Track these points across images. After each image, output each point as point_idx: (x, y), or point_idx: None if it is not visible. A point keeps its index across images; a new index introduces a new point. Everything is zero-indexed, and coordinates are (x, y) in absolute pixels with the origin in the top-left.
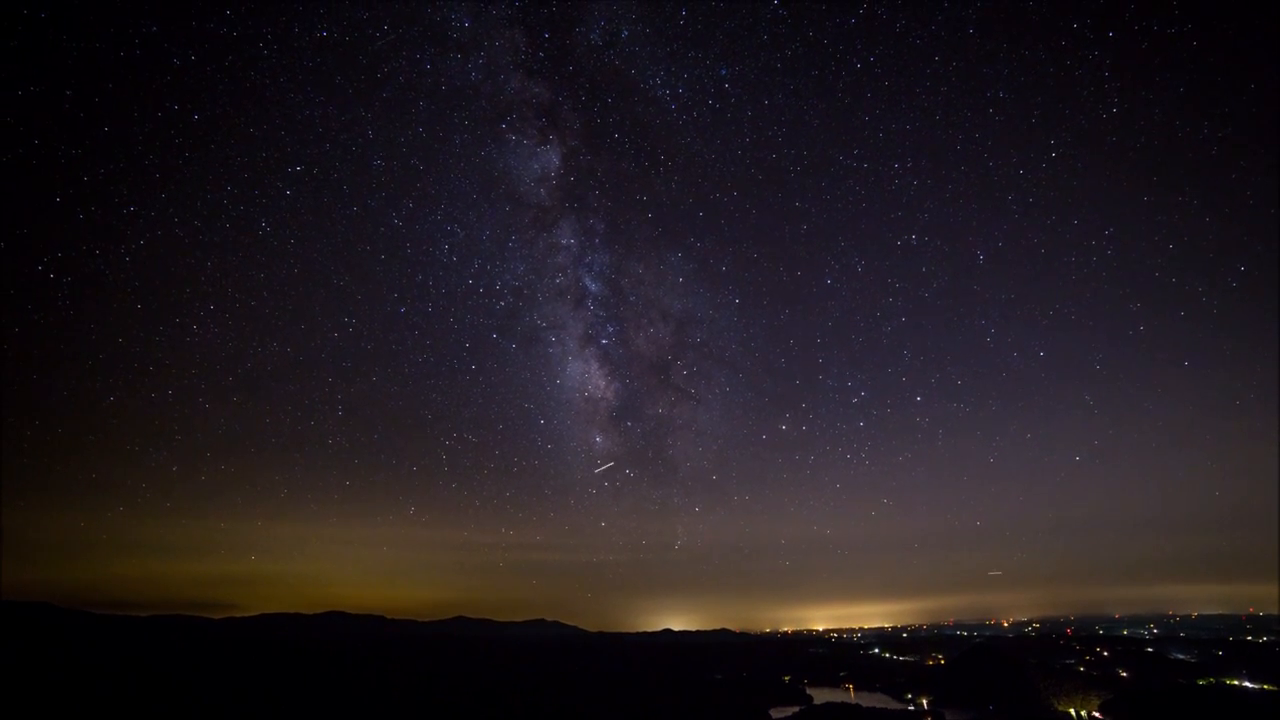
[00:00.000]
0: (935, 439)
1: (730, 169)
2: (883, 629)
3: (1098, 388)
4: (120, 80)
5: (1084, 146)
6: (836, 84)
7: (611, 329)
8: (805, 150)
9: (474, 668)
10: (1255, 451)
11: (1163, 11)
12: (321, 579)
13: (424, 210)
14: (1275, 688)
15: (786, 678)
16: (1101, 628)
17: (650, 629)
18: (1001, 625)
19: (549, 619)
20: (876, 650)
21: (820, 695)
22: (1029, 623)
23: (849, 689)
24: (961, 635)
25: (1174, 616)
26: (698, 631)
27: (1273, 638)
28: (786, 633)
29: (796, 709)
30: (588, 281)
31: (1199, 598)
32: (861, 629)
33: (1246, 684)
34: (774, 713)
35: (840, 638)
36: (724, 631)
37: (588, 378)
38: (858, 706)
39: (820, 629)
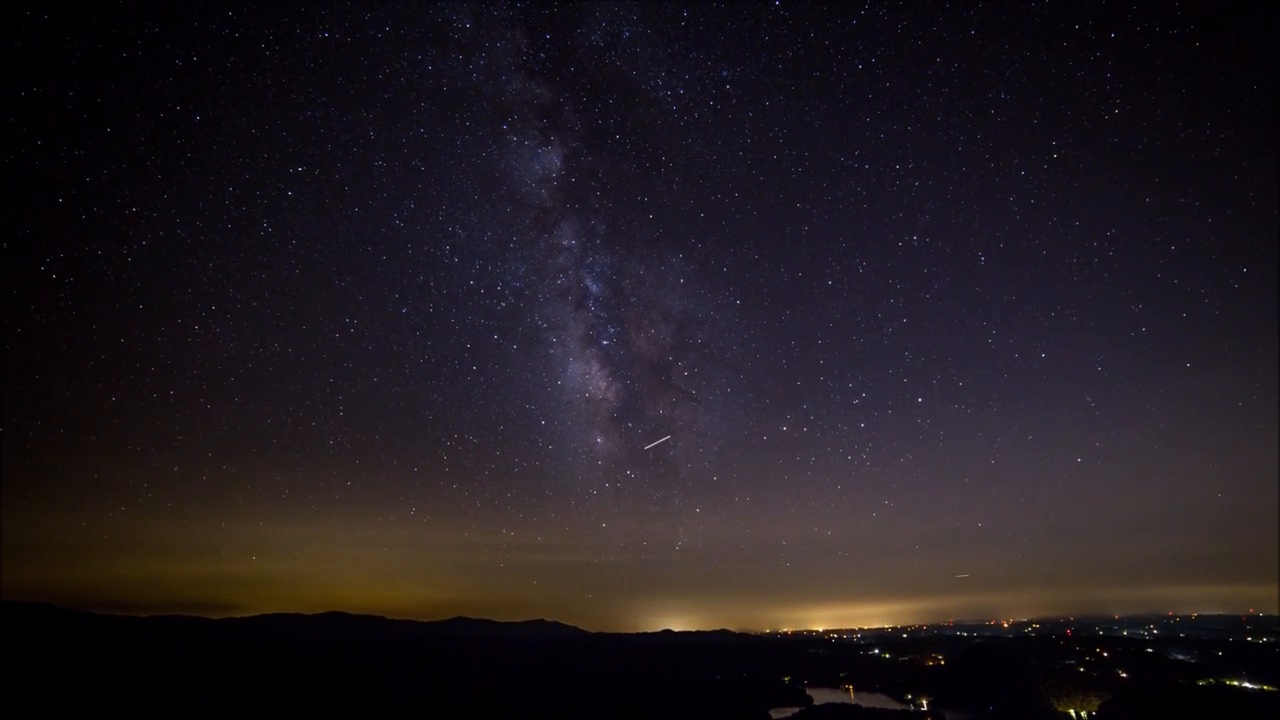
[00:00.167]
0: (936, 440)
1: (731, 170)
2: (882, 630)
3: (1099, 389)
4: (122, 81)
5: (1086, 148)
6: (838, 85)
7: (612, 330)
8: (806, 151)
9: (474, 668)
10: (1256, 453)
11: (1164, 13)
12: (322, 579)
13: (425, 211)
14: (1275, 688)
15: (786, 678)
16: (1101, 628)
17: (650, 629)
18: (1001, 626)
19: (549, 620)
20: (876, 651)
21: (820, 696)
22: (1029, 623)
23: (849, 690)
24: (961, 636)
25: (1174, 617)
26: (697, 632)
27: (1272, 638)
28: (786, 633)
29: (796, 709)
30: (589, 282)
31: (1199, 598)
32: (861, 630)
33: (1246, 684)
34: (774, 713)
35: (840, 638)
36: (724, 632)
37: (589, 379)
38: (857, 707)
39: (820, 630)
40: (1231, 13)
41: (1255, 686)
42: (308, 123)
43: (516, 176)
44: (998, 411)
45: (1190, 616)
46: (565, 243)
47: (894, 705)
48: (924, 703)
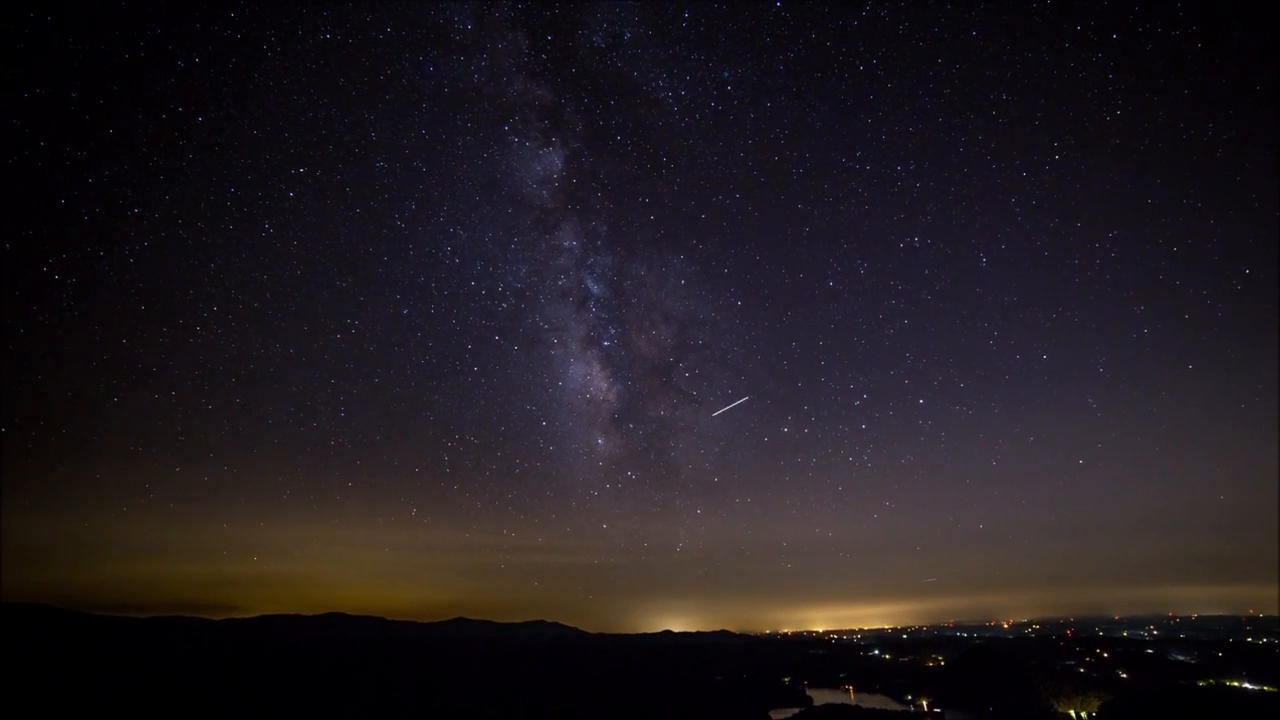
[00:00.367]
0: (938, 442)
1: (732, 171)
2: (882, 630)
3: (1101, 390)
4: (124, 82)
5: (1087, 149)
6: (839, 86)
7: (613, 331)
8: (808, 152)
9: (474, 669)
10: (1257, 453)
11: (1166, 14)
12: (323, 580)
13: (426, 212)
14: (1275, 689)
15: (786, 679)
16: (1101, 629)
17: (650, 630)
18: (1001, 626)
19: (549, 620)
20: (876, 651)
21: (820, 696)
22: (1029, 624)
23: (849, 690)
24: (961, 637)
25: (1174, 618)
26: (697, 633)
27: (1273, 639)
28: (786, 634)
29: (796, 710)
30: (590, 283)
31: (1199, 599)
32: (861, 630)
33: (1246, 685)
34: (774, 714)
35: (840, 639)
36: (724, 633)
37: (590, 380)
38: (858, 708)
39: (820, 630)
40: (1233, 14)
41: (1255, 687)
42: (309, 124)
43: (518, 177)
44: (999, 413)
45: (1190, 617)
46: (566, 244)
47: (894, 706)
48: (924, 703)
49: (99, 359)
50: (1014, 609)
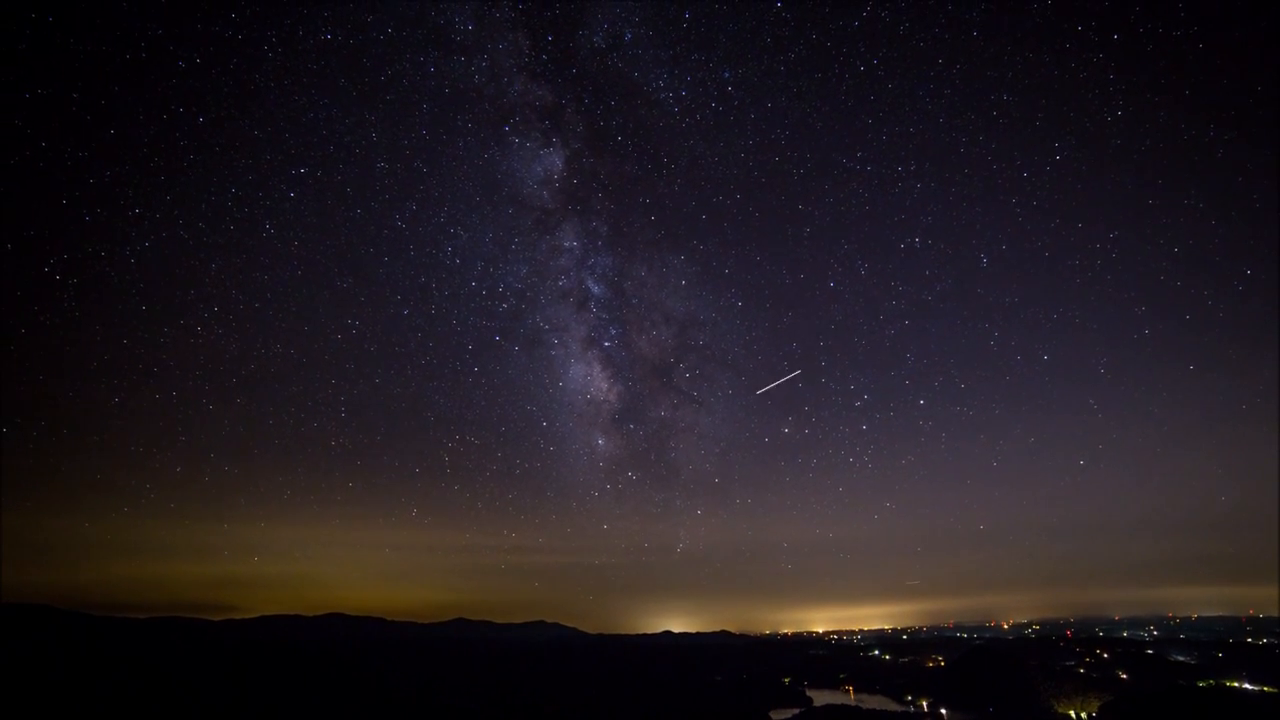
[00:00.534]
0: (938, 442)
1: (733, 172)
2: (882, 631)
3: (1102, 391)
4: (126, 83)
5: (1088, 149)
6: (840, 87)
7: (614, 331)
8: (808, 153)
9: (474, 669)
10: (1257, 454)
11: (1167, 14)
12: (323, 580)
13: (427, 213)
14: (1275, 689)
15: (786, 679)
16: (1101, 629)
17: (650, 631)
18: (1001, 627)
19: (549, 621)
20: (876, 652)
21: (820, 697)
22: (1029, 624)
23: (849, 691)
24: (961, 637)
25: (1174, 618)
26: (698, 633)
27: (1273, 640)
28: (786, 635)
29: (796, 710)
30: (590, 284)
31: (1199, 600)
32: (861, 631)
33: (1246, 686)
34: (774, 714)
35: (840, 640)
36: (724, 633)
37: (590, 380)
38: (858, 708)
39: (820, 631)
40: (1234, 15)
41: (1255, 688)
42: (310, 124)
43: (518, 178)
44: (1000, 413)
45: (1190, 618)
46: (567, 244)
47: (894, 706)
48: (924, 704)
49: (100, 359)
50: (1014, 609)
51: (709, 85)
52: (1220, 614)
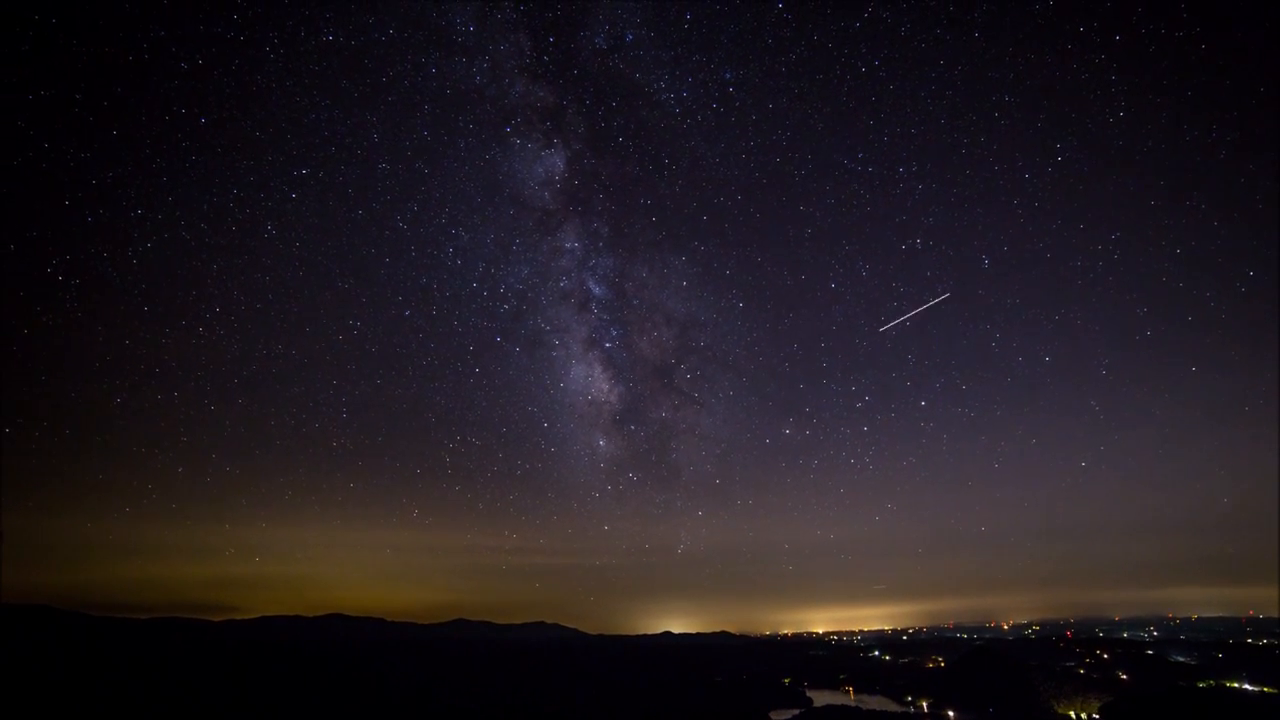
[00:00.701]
0: (940, 444)
1: (734, 173)
2: (882, 631)
3: (1103, 392)
4: (127, 84)
5: (1090, 150)
6: (841, 88)
7: (615, 333)
8: (809, 154)
9: (473, 670)
10: (1258, 455)
11: (1169, 15)
12: (324, 581)
13: (428, 213)
14: (1275, 690)
15: (787, 680)
16: (1101, 630)
17: (650, 631)
18: (1001, 628)
19: (549, 621)
20: (876, 653)
21: (820, 698)
22: (1029, 625)
23: (849, 691)
24: (961, 638)
25: (1174, 619)
26: (697, 634)
27: (1273, 640)
28: (786, 635)
29: (796, 711)
30: (591, 285)
31: (1199, 600)
32: (861, 631)
33: (1246, 686)
34: (774, 715)
35: (840, 640)
36: (724, 634)
37: (591, 381)
38: (858, 709)
39: (820, 631)
40: (1237, 15)
41: (1255, 689)
42: (311, 125)
43: (519, 179)
44: (1001, 415)
45: (1190, 618)
46: (568, 245)
47: (894, 707)
48: (924, 704)
49: (102, 360)
50: (1014, 610)
51: (710, 86)
52: (1220, 614)
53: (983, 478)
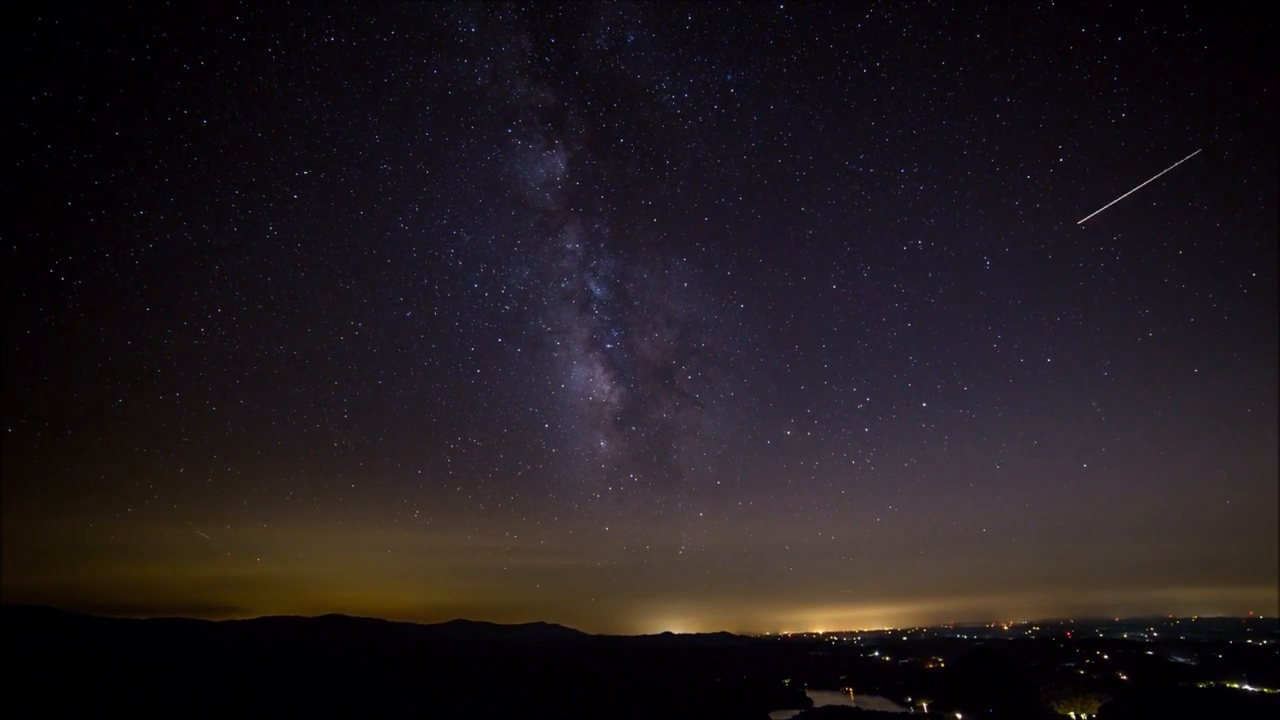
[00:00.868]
0: (940, 445)
1: (736, 174)
2: (882, 632)
3: (1104, 394)
4: (130, 85)
5: (1092, 152)
6: (842, 89)
7: (616, 334)
8: (811, 155)
9: (473, 670)
10: (1259, 456)
11: (1171, 16)
12: (325, 582)
13: (430, 214)
14: (1275, 691)
15: (786, 680)
16: (1101, 631)
17: (650, 632)
18: (1001, 628)
19: (548, 622)
20: (876, 653)
21: (820, 698)
22: (1029, 626)
23: (849, 692)
24: (961, 638)
25: (1174, 620)
26: (697, 634)
27: (1273, 641)
28: (786, 636)
29: (796, 712)
30: (593, 286)
31: (1199, 601)
32: (861, 632)
33: (1247, 687)
34: (774, 715)
35: (840, 641)
36: (724, 634)
37: (592, 382)
38: (858, 709)
39: (820, 632)
40: (1238, 16)
41: (1255, 689)
42: (313, 126)
43: (521, 180)
44: (1002, 416)
45: (1190, 619)
46: (569, 246)
47: (894, 708)
48: (924, 705)
49: (103, 361)
50: (1014, 611)
51: (711, 87)
52: (1220, 615)
53: (984, 479)
